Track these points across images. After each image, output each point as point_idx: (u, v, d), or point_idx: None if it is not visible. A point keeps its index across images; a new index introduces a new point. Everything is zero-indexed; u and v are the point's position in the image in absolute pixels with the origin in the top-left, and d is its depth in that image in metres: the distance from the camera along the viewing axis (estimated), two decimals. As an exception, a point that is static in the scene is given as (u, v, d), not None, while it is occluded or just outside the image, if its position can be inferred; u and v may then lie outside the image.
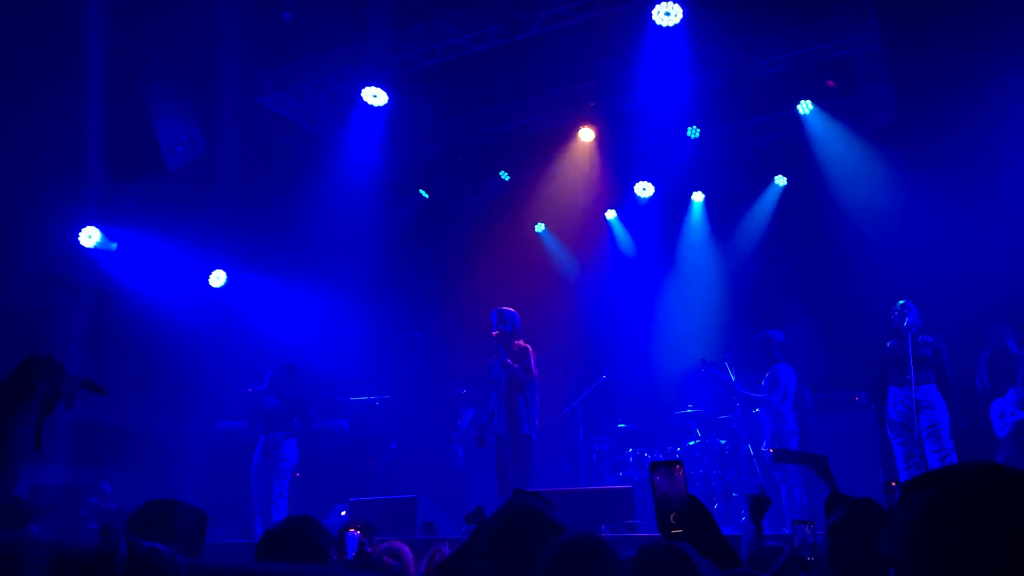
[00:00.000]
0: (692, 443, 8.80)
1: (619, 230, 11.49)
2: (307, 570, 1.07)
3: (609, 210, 11.41)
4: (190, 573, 0.94)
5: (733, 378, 8.53)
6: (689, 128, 10.00)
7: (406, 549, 4.19)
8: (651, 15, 7.83)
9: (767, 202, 10.66)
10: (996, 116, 8.36)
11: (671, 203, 11.06)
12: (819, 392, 8.84)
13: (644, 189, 11.03)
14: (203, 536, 2.76)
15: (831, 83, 9.56)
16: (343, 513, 8.17)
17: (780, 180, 10.56)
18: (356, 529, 3.82)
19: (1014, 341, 7.67)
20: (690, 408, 9.14)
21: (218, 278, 10.22)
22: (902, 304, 7.03)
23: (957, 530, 1.02)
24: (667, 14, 7.77)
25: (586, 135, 10.26)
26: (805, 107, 9.59)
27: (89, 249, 9.24)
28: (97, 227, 9.28)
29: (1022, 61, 7.99)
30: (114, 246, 9.46)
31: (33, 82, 7.84)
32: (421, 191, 11.31)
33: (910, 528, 1.07)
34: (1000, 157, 8.42)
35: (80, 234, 9.19)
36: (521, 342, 7.26)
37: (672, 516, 1.89)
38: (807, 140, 9.82)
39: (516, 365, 7.11)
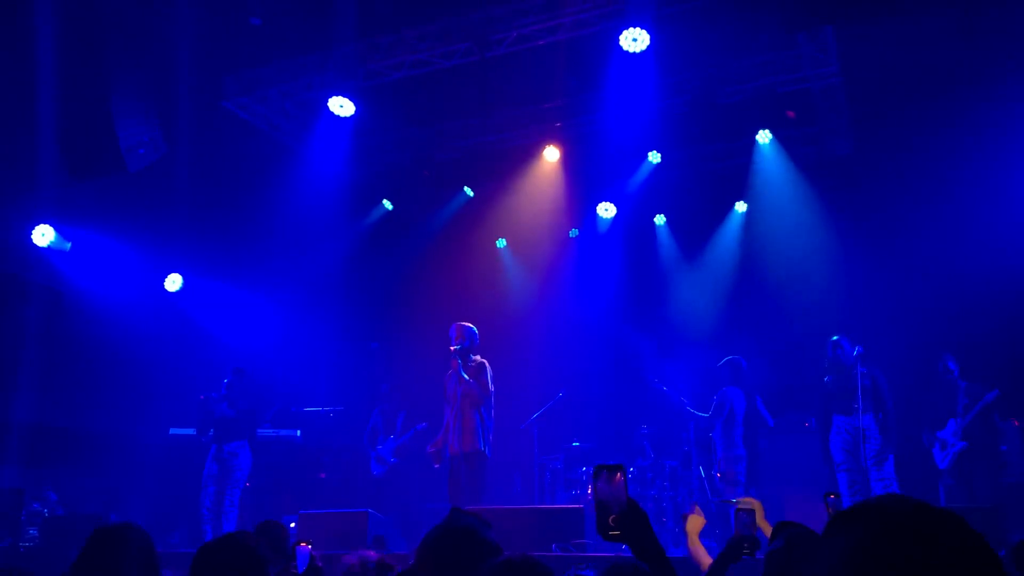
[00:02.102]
0: (645, 463, 8.89)
1: (580, 249, 11.58)
2: None
3: (571, 229, 11.50)
4: None
5: (683, 399, 8.68)
6: (650, 153, 10.15)
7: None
8: (618, 40, 7.94)
9: (726, 228, 10.83)
10: (951, 148, 8.62)
11: (632, 225, 11.18)
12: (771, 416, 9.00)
13: (606, 210, 11.14)
14: (155, 563, 2.73)
15: (791, 114, 9.78)
16: (292, 525, 8.08)
17: (740, 206, 10.73)
18: (307, 543, 3.81)
19: (957, 370, 7.90)
20: (644, 428, 9.23)
21: (174, 282, 10.09)
22: (835, 340, 7.29)
23: (881, 572, 1.03)
24: (634, 40, 7.88)
25: (551, 154, 10.36)
26: (764, 136, 9.81)
27: (42, 248, 9.07)
28: (51, 226, 9.11)
29: (977, 99, 8.25)
30: (68, 246, 9.29)
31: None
32: (385, 202, 11.30)
33: (836, 565, 1.09)
34: (952, 190, 8.66)
35: (33, 232, 9.01)
36: (479, 357, 7.28)
37: (611, 519, 1.97)
38: (763, 169, 10.04)
39: (472, 381, 7.12)
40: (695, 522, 3.72)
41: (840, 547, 1.09)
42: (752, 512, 3.19)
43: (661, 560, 2.03)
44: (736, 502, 3.36)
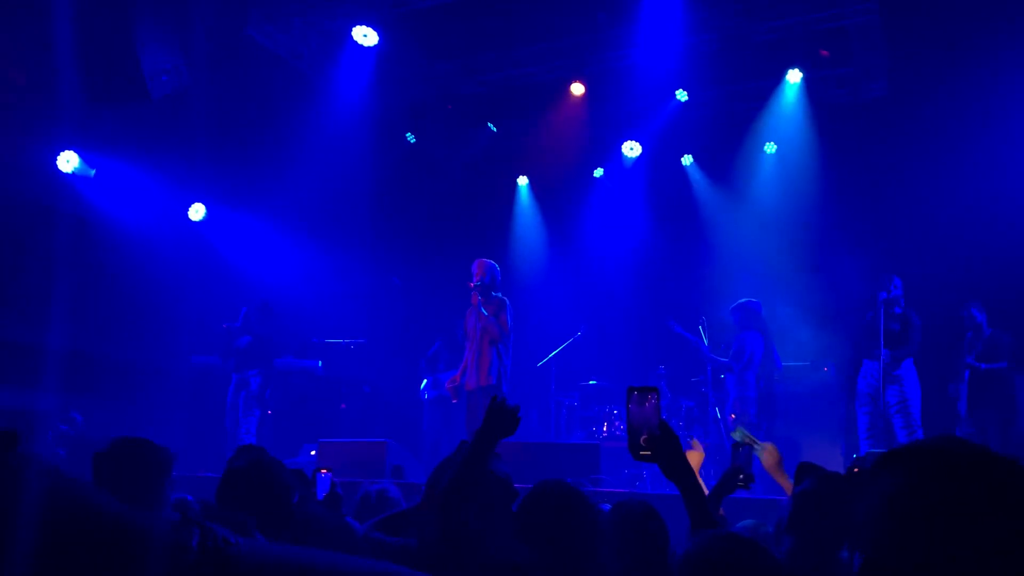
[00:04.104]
0: (661, 403, 8.92)
1: (605, 188, 11.47)
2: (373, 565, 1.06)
3: (596, 167, 11.36)
4: (254, 560, 0.92)
5: (705, 341, 8.65)
6: (678, 91, 9.94)
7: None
8: (651, -28, 7.73)
9: (755, 169, 10.65)
10: (989, 92, 8.37)
11: (658, 164, 11.03)
12: (787, 360, 8.98)
13: (631, 148, 10.98)
14: (169, 474, 2.79)
15: (825, 53, 9.51)
16: (312, 452, 8.24)
17: (770, 147, 10.53)
18: (328, 470, 3.88)
19: (984, 318, 7.80)
20: (661, 368, 9.26)
21: (197, 211, 10.11)
22: (888, 277, 7.14)
23: (933, 515, 0.99)
24: (667, -28, 7.67)
25: (577, 90, 10.17)
26: (795, 76, 9.57)
27: (67, 174, 9.09)
28: (76, 152, 9.11)
29: (1019, 38, 7.97)
30: (93, 172, 9.31)
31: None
32: (408, 135, 11.19)
33: (881, 509, 1.04)
34: (991, 133, 8.44)
35: (58, 159, 9.03)
36: (499, 295, 7.29)
37: (642, 439, 2.01)
38: (792, 109, 9.82)
39: (492, 317, 7.15)
40: (693, 457, 3.74)
41: (885, 488, 1.05)
42: (750, 447, 3.21)
43: (690, 480, 2.06)
44: (757, 444, 3.37)
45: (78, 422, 8.73)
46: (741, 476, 3.11)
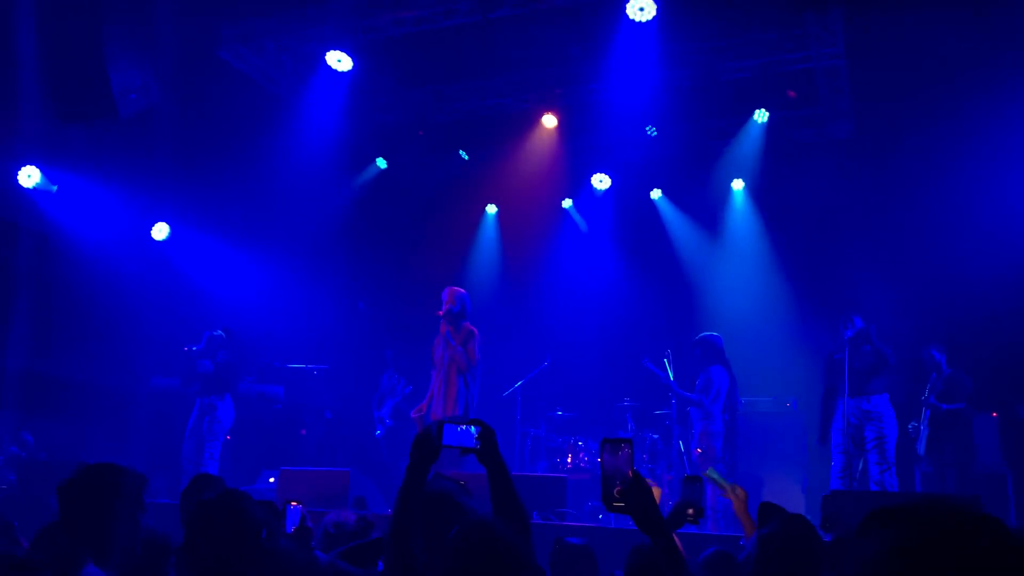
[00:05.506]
0: (625, 436, 8.91)
1: (574, 219, 11.53)
2: None
3: (565, 199, 11.43)
4: None
5: (671, 375, 8.65)
6: (648, 127, 10.04)
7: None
8: (625, 8, 7.83)
9: (723, 203, 10.79)
10: (952, 135, 8.57)
11: (627, 197, 11.12)
12: (751, 395, 9.03)
13: (601, 181, 11.07)
14: (142, 501, 2.71)
15: (792, 93, 9.70)
16: (271, 480, 8.09)
17: (737, 184, 10.68)
18: (298, 503, 3.78)
19: (944, 359, 7.94)
20: (626, 401, 9.25)
21: (161, 231, 9.97)
22: (848, 316, 7.21)
23: None
24: (641, 9, 7.77)
25: (548, 121, 10.25)
26: (761, 116, 9.73)
27: (28, 189, 8.92)
28: (37, 167, 8.95)
29: (980, 90, 8.19)
30: (55, 188, 9.14)
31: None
32: (379, 160, 11.17)
33: (866, 567, 1.04)
34: (953, 175, 8.64)
35: (19, 173, 8.86)
36: (468, 324, 7.23)
37: (616, 490, 1.99)
38: (758, 148, 9.98)
39: (459, 347, 7.08)
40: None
41: (870, 552, 1.05)
42: (699, 481, 3.22)
43: (662, 532, 2.04)
44: (728, 486, 3.35)
45: (30, 444, 8.49)
46: (691, 511, 3.11)
